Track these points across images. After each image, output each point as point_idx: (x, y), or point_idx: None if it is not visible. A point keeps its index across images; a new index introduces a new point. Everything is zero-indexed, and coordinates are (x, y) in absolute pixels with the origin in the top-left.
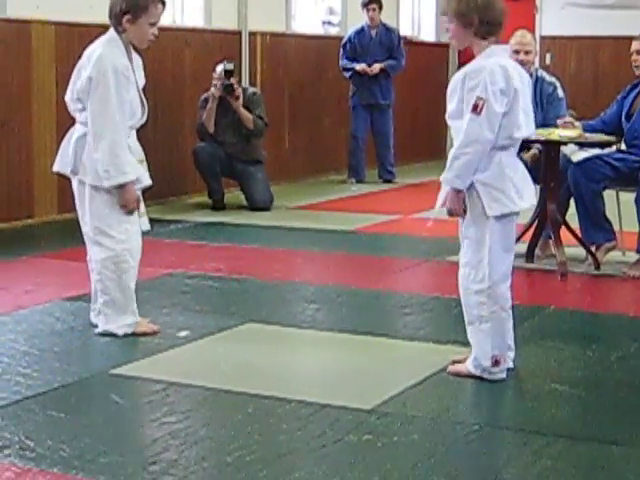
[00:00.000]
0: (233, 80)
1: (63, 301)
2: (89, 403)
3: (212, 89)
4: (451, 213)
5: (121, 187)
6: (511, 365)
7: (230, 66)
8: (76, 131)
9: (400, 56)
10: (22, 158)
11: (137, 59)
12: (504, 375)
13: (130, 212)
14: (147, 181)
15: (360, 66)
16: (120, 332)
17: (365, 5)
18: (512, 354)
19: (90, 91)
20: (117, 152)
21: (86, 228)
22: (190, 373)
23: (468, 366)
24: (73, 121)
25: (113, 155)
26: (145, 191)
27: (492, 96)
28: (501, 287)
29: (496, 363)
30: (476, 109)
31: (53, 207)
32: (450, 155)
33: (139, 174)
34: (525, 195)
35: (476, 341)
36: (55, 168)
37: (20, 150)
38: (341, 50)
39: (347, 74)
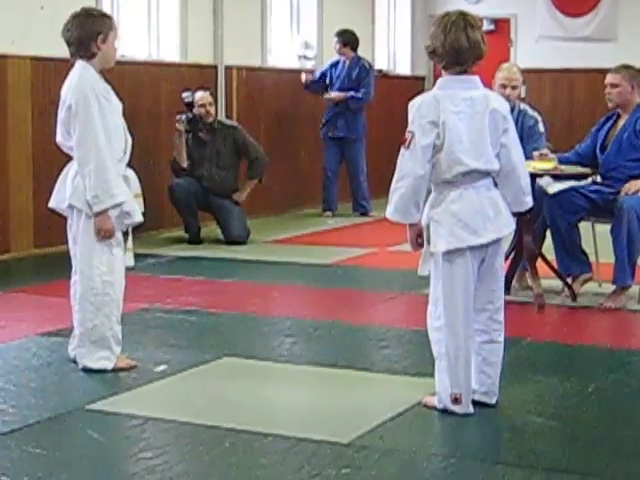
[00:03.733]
0: (208, 108)
1: (39, 336)
2: (66, 439)
3: (177, 125)
4: None
5: (103, 212)
6: (493, 401)
7: (189, 98)
8: (74, 163)
9: (364, 89)
10: None
11: (108, 85)
12: (469, 410)
13: (106, 238)
14: (138, 217)
15: (329, 95)
16: (96, 366)
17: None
18: (490, 388)
19: (71, 119)
20: (105, 176)
21: (76, 259)
22: (167, 408)
23: (435, 400)
24: (50, 156)
25: (101, 180)
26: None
27: (419, 129)
28: (458, 325)
29: (456, 401)
30: (405, 143)
31: (29, 242)
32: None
33: (130, 206)
34: (480, 230)
35: (437, 377)
36: (50, 204)
37: None
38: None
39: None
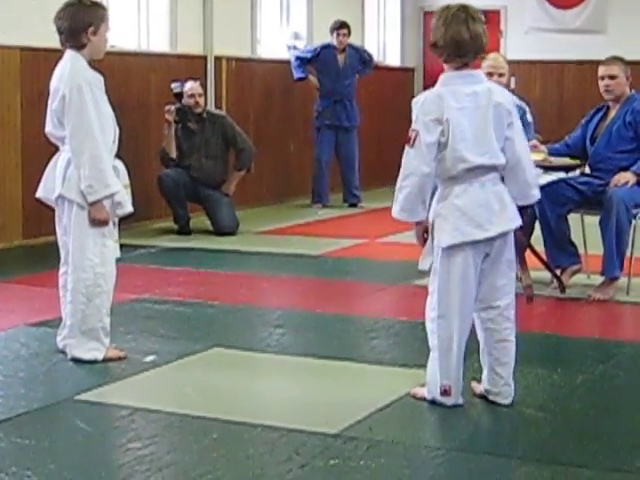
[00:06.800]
0: (197, 99)
1: (28, 327)
2: (54, 429)
3: (166, 115)
4: None
5: (98, 202)
6: (507, 402)
7: (178, 88)
8: (64, 153)
9: (370, 61)
10: None
11: (99, 75)
12: (458, 401)
13: (100, 225)
14: (129, 208)
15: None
16: (86, 357)
17: (336, 29)
18: (502, 389)
19: (65, 109)
20: (99, 166)
21: (65, 249)
22: (156, 398)
23: (424, 390)
24: (39, 146)
25: (95, 169)
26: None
27: (423, 127)
28: (453, 319)
29: (445, 392)
30: (409, 141)
31: (18, 233)
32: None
33: (121, 196)
34: (486, 224)
35: (429, 368)
36: (38, 194)
37: None
38: (297, 61)
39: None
